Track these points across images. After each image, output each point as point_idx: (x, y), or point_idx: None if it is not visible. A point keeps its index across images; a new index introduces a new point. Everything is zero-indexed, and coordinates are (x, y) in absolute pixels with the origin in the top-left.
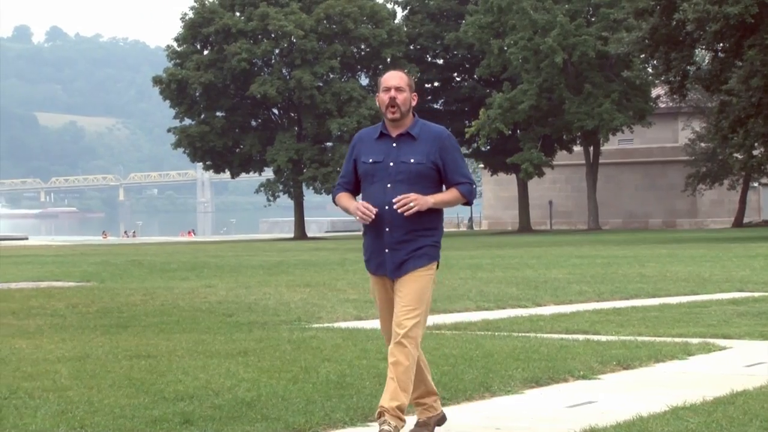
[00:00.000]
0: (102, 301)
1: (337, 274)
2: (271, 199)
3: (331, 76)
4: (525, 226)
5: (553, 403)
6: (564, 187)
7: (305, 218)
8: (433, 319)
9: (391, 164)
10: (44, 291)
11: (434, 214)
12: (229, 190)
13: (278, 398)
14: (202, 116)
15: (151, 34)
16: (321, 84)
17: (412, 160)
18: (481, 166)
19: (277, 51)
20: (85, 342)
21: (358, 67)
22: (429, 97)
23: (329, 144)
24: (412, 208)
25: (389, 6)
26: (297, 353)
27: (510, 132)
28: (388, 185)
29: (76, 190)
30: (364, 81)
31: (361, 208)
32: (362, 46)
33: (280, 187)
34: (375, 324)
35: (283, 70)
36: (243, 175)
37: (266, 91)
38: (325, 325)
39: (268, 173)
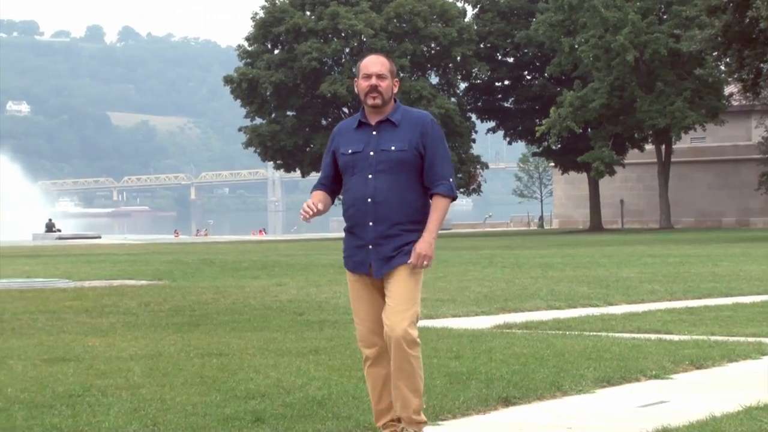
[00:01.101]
0: (174, 300)
1: None
2: (341, 197)
3: (401, 74)
4: (596, 225)
5: (624, 403)
6: (635, 186)
7: None
8: (503, 318)
9: (372, 153)
10: (117, 289)
11: (420, 206)
12: (300, 188)
13: (349, 396)
14: (273, 115)
15: (223, 33)
16: None
17: (393, 148)
18: (552, 164)
19: (347, 50)
20: (157, 340)
21: (428, 65)
22: (499, 96)
23: None
24: (427, 264)
25: (459, 4)
26: None
27: (581, 130)
28: (369, 176)
29: (148, 189)
30: (434, 80)
31: (303, 206)
32: (432, 45)
33: None
34: (445, 323)
35: (353, 69)
36: (313, 173)
37: (336, 90)
38: None
39: None
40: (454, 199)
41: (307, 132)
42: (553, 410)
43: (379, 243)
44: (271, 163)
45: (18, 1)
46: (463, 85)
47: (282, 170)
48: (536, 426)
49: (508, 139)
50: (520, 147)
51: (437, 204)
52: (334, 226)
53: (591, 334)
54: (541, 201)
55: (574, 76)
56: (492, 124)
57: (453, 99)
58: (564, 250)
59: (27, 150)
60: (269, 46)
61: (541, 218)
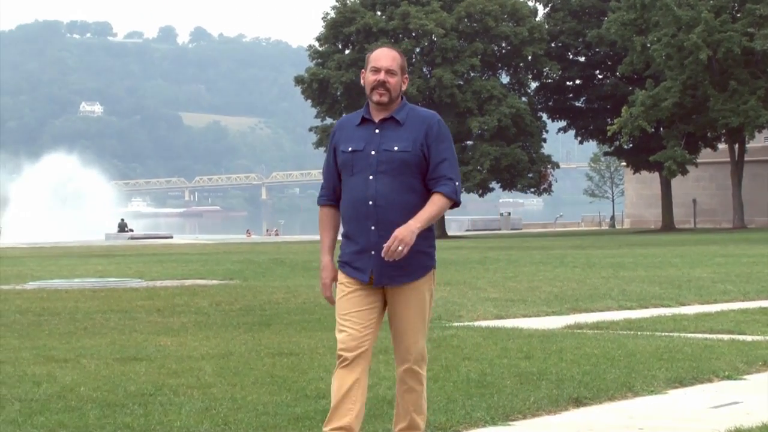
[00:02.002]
0: (245, 299)
1: (478, 272)
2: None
3: (472, 74)
4: (668, 225)
5: (696, 404)
6: (708, 185)
7: (445, 217)
8: (574, 318)
9: (373, 153)
10: (188, 289)
11: None
12: None
13: None
14: (343, 115)
15: (293, 34)
16: (461, 82)
17: (396, 148)
18: (623, 164)
19: (417, 50)
20: (228, 339)
21: (499, 65)
22: (570, 95)
23: (469, 143)
24: (401, 251)
25: (530, 3)
26: (437, 352)
27: (653, 130)
28: (370, 177)
29: (219, 189)
30: (505, 79)
31: (325, 293)
32: (503, 44)
33: None
34: (516, 323)
35: (424, 69)
36: None
37: (407, 89)
38: (466, 323)
39: None
40: (456, 204)
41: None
42: (624, 411)
43: (381, 249)
44: None
45: (91, 3)
46: (534, 85)
47: None
48: (607, 427)
49: (579, 138)
50: (592, 146)
51: (435, 199)
52: None
53: (663, 334)
54: (613, 201)
55: (646, 75)
56: (563, 123)
57: (524, 98)
58: (635, 250)
59: (100, 150)
60: (340, 46)
61: (613, 218)
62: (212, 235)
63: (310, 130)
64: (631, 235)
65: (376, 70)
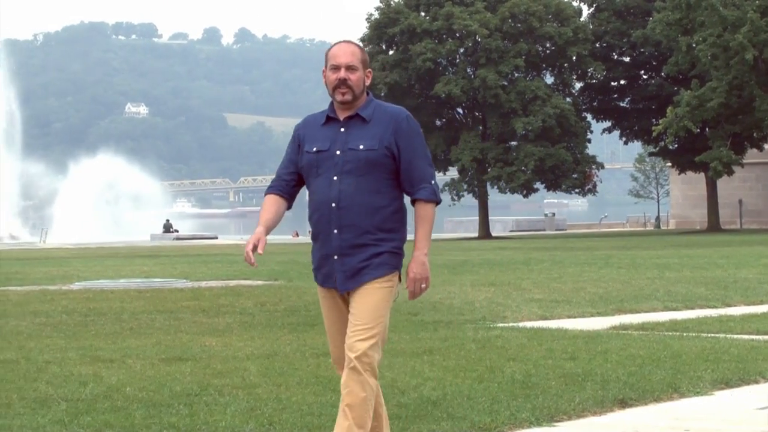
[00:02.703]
0: (289, 300)
1: (522, 273)
2: (456, 198)
3: (516, 74)
4: (714, 225)
5: (743, 405)
6: (754, 186)
7: (490, 217)
8: (619, 319)
9: (338, 152)
10: (233, 289)
11: (391, 212)
12: None
13: (463, 397)
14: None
15: (337, 34)
16: (506, 83)
17: (361, 147)
18: (669, 164)
19: (461, 50)
20: (273, 340)
21: (543, 65)
22: (615, 95)
23: (514, 143)
24: (425, 288)
25: (575, 4)
26: (482, 352)
27: (698, 130)
28: (335, 177)
29: (263, 190)
30: (549, 80)
31: (247, 247)
32: (547, 45)
33: (465, 187)
34: (561, 323)
35: (468, 70)
36: None
37: (451, 90)
38: (510, 324)
39: (453, 172)
40: (437, 202)
41: (422, 132)
42: (669, 412)
43: (345, 253)
44: None
45: (137, 5)
46: (578, 85)
47: None
48: (653, 428)
49: (624, 139)
50: (636, 147)
51: (422, 212)
52: (449, 227)
53: (709, 335)
54: (658, 201)
55: (691, 75)
56: (608, 123)
57: (568, 99)
58: (681, 250)
59: (145, 151)
60: (384, 46)
61: (658, 218)
62: None
63: None
64: (677, 236)
65: (336, 68)
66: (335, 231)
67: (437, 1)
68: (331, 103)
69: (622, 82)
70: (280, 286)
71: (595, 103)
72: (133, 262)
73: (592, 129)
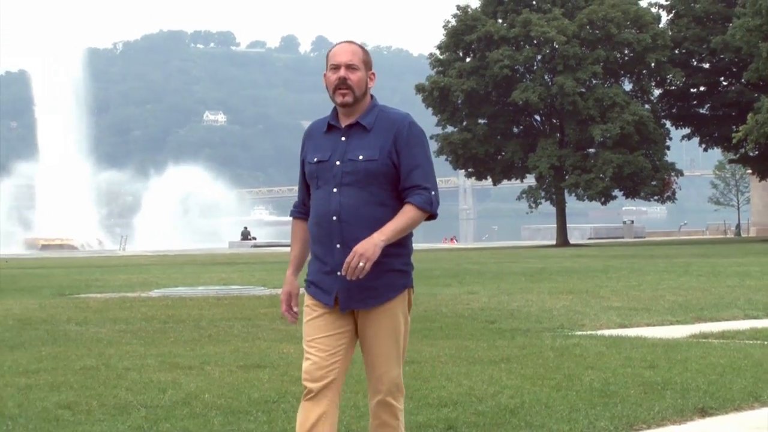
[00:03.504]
0: None
1: (600, 281)
2: (533, 205)
3: (594, 81)
4: None
5: None
6: None
7: (567, 225)
8: (699, 327)
9: (338, 163)
10: None
11: None
12: (491, 196)
13: (541, 405)
14: (465, 123)
15: (414, 42)
16: (583, 90)
17: (360, 157)
18: (749, 171)
19: (539, 57)
20: None
21: (621, 72)
22: (695, 102)
23: (591, 150)
24: (362, 267)
25: (654, 10)
26: (560, 360)
27: None
28: (334, 189)
29: None
30: (628, 86)
31: (283, 308)
32: (626, 51)
33: (542, 194)
34: (640, 332)
35: (545, 77)
36: (505, 181)
37: (528, 97)
38: (588, 332)
39: (530, 180)
40: (431, 215)
41: (499, 140)
42: (750, 421)
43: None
44: (463, 171)
45: (216, 13)
46: (657, 92)
47: (473, 178)
48: None
49: (703, 146)
50: (716, 154)
51: (406, 210)
52: (527, 235)
53: None
54: (738, 209)
55: None
56: (687, 130)
57: (647, 106)
58: (762, 258)
59: (223, 159)
60: (461, 54)
61: (738, 226)
62: None
63: (431, 138)
64: (757, 244)
65: (335, 68)
66: (338, 246)
67: (515, 8)
68: (334, 109)
69: (702, 88)
70: None
71: (674, 110)
72: (211, 270)
73: (671, 136)
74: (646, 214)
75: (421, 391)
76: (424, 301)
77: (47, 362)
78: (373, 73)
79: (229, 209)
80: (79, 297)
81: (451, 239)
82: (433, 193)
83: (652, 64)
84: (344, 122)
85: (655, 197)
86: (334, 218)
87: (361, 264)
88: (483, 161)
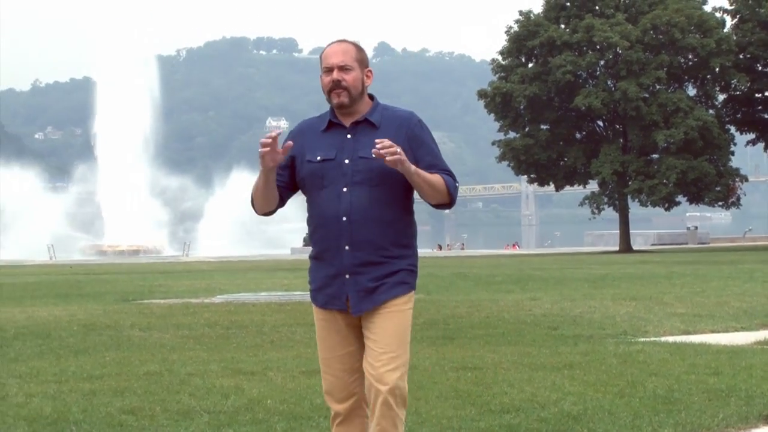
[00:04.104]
0: (428, 313)
1: (664, 287)
2: (596, 211)
3: (658, 87)
4: None
5: None
6: None
7: (630, 231)
8: (764, 334)
9: (347, 161)
10: None
11: (404, 226)
12: (554, 202)
13: (604, 412)
14: (527, 129)
15: (477, 47)
16: (647, 95)
17: (373, 154)
18: None
19: (602, 62)
20: (412, 353)
21: (685, 77)
22: (759, 107)
23: (655, 156)
24: (393, 150)
25: (718, 15)
26: (623, 367)
27: None
28: (344, 189)
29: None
30: (692, 91)
31: (262, 140)
32: (689, 56)
33: (605, 200)
34: (704, 338)
35: (608, 82)
36: (567, 187)
37: (591, 103)
38: (652, 339)
39: (593, 186)
40: (450, 199)
41: (561, 145)
42: None
43: (358, 272)
44: (525, 176)
45: (278, 20)
46: (721, 97)
47: (536, 184)
48: None
49: None
50: None
51: (436, 175)
52: (589, 240)
53: None
54: None
55: None
56: (752, 135)
57: (711, 111)
58: None
59: None
60: (523, 59)
61: None
62: None
63: (493, 144)
64: None
65: (328, 70)
66: (347, 248)
67: (577, 13)
68: (332, 108)
69: (767, 93)
70: (418, 300)
71: (738, 115)
72: (273, 276)
73: (735, 141)
74: (710, 219)
75: (484, 397)
76: (486, 307)
77: (111, 368)
78: (370, 71)
79: (291, 215)
80: (143, 303)
81: (513, 245)
82: (457, 184)
83: (717, 69)
84: (347, 120)
85: (720, 203)
86: (344, 218)
87: (395, 150)
88: (545, 167)
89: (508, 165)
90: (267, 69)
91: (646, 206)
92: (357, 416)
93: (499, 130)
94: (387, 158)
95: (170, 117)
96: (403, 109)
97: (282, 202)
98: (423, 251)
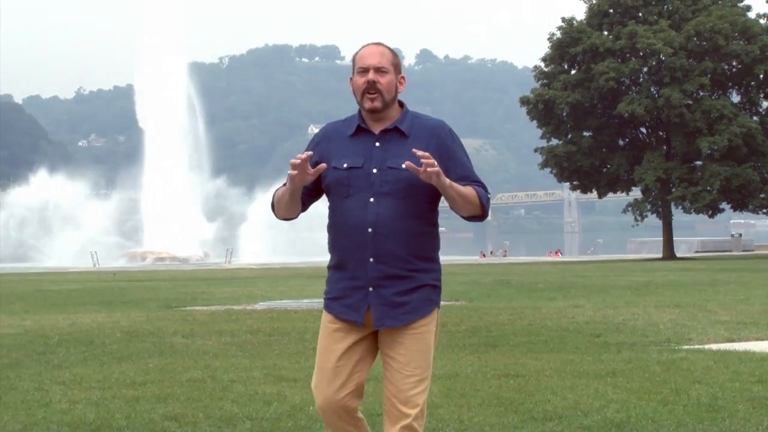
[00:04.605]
0: (470, 321)
1: (708, 294)
2: (639, 218)
3: (701, 93)
4: None
5: None
6: None
7: (674, 238)
8: None
9: (374, 170)
10: None
11: (428, 240)
12: (596, 209)
13: (648, 420)
14: (569, 136)
15: (519, 54)
16: (690, 102)
17: (404, 166)
18: None
19: (645, 69)
20: (454, 361)
21: (729, 84)
22: None
23: (698, 163)
24: (433, 164)
25: (762, 21)
26: (667, 375)
27: None
28: (371, 199)
29: (444, 210)
30: (735, 98)
31: (292, 161)
32: (733, 63)
33: (648, 207)
34: (748, 346)
35: (652, 89)
36: (610, 194)
37: (634, 110)
38: (696, 346)
39: (636, 193)
40: (483, 211)
41: (604, 152)
42: None
43: (382, 285)
44: (568, 184)
45: (320, 27)
46: (765, 104)
47: (578, 191)
48: None
49: None
50: None
51: (469, 187)
52: (632, 248)
53: None
54: None
55: None
56: None
57: (755, 118)
58: None
59: None
60: (566, 66)
61: None
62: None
63: (536, 151)
64: None
65: (364, 70)
66: (371, 260)
67: (620, 19)
68: (359, 112)
69: None
70: (461, 307)
71: None
72: (315, 283)
73: None
74: (754, 227)
75: (526, 404)
76: (529, 314)
77: (154, 374)
78: (403, 77)
79: None
80: (186, 309)
81: (556, 252)
82: (489, 195)
83: (761, 76)
84: (376, 127)
85: (764, 210)
86: (369, 230)
87: (434, 162)
88: (588, 174)
89: (551, 172)
90: (309, 76)
91: (690, 213)
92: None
93: (542, 137)
94: (427, 170)
95: (213, 124)
96: (433, 118)
97: (304, 208)
98: (466, 258)
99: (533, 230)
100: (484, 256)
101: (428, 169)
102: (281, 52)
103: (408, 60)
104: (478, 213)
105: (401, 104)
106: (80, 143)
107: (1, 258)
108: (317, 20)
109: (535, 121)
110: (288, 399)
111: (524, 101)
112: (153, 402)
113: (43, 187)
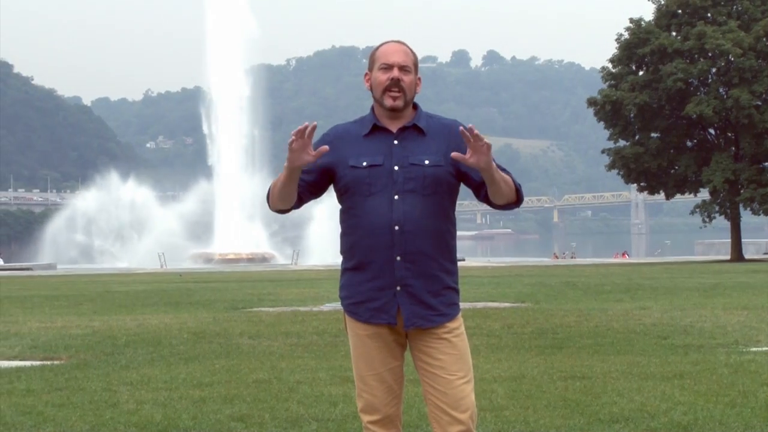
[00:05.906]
0: (537, 322)
1: None
2: (707, 220)
3: None
4: None
5: None
6: None
7: (742, 240)
8: None
9: (396, 168)
10: (480, 311)
11: (450, 239)
12: (664, 211)
13: (715, 422)
14: (637, 137)
15: (586, 55)
16: (759, 103)
17: (426, 162)
18: None
19: (713, 70)
20: (520, 362)
21: None
22: None
23: (767, 164)
24: (487, 141)
25: None
26: (734, 377)
27: None
28: (396, 197)
29: (511, 213)
30: None
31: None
32: None
33: (716, 209)
34: None
35: (720, 90)
36: (678, 196)
37: (702, 111)
38: (764, 348)
39: (704, 194)
40: (518, 198)
41: (672, 154)
42: None
43: (410, 284)
44: (635, 185)
45: (387, 29)
46: None
47: (645, 192)
48: None
49: None
50: None
51: (505, 175)
52: (700, 250)
53: None
54: None
55: None
56: None
57: None
58: None
59: None
60: (633, 67)
61: None
62: (504, 258)
63: (603, 152)
64: None
65: (388, 67)
66: (398, 258)
67: (689, 20)
68: (372, 110)
69: None
70: (527, 309)
71: None
72: None
73: None
74: None
75: (593, 407)
76: (596, 316)
77: (221, 375)
78: (420, 78)
79: None
80: (252, 311)
81: (623, 254)
82: (519, 184)
83: None
84: (393, 126)
85: None
86: (396, 228)
87: (483, 137)
88: (656, 175)
89: (618, 173)
90: None
91: (759, 215)
92: (391, 426)
93: (609, 139)
94: (478, 143)
95: (280, 126)
96: (447, 118)
97: (299, 203)
98: (538, 260)
99: (600, 232)
100: (557, 257)
101: (478, 143)
102: (348, 53)
103: (475, 61)
104: (514, 199)
105: (414, 105)
106: (148, 145)
107: (70, 260)
108: (384, 22)
109: (602, 123)
110: (354, 400)
111: (591, 102)
112: (219, 403)
113: (112, 189)
